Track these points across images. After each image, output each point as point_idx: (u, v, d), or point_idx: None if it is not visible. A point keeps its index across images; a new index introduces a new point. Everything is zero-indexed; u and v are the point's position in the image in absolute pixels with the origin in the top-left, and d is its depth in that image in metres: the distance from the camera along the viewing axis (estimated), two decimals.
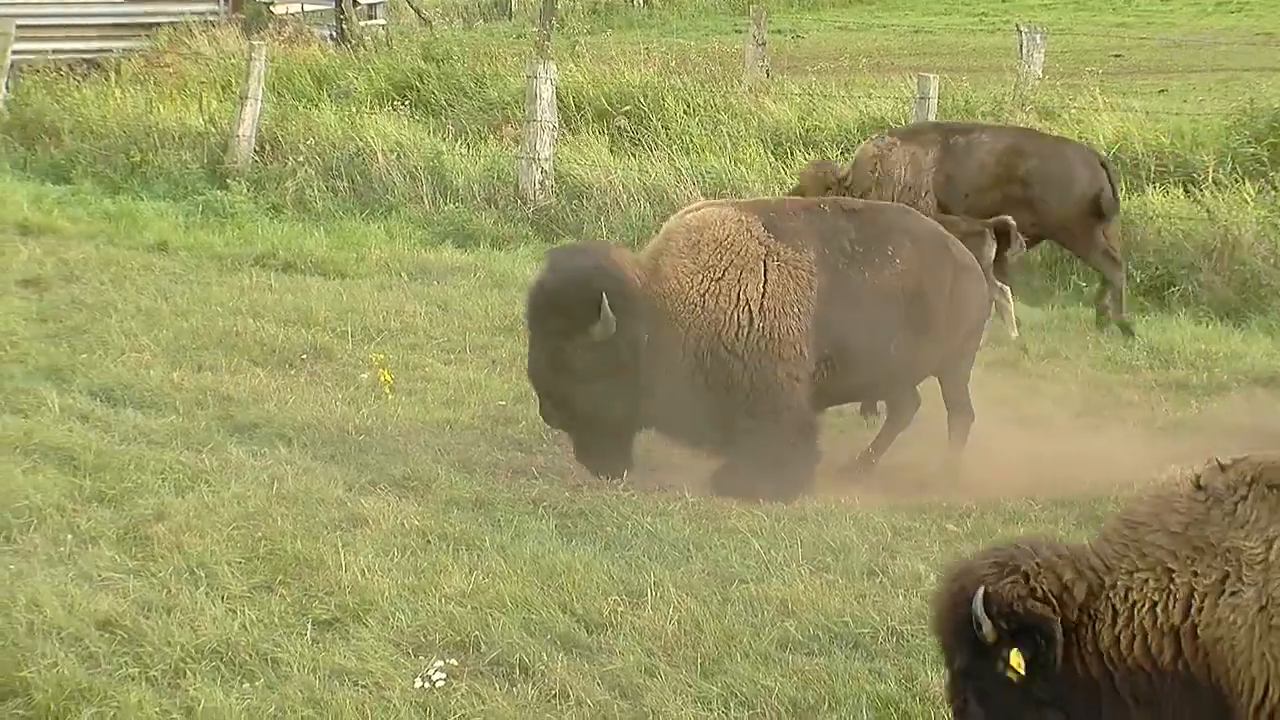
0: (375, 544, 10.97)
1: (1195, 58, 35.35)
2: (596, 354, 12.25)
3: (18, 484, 11.81)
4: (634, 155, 22.97)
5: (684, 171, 21.85)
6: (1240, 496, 6.53)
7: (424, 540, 11.07)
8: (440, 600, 10.03)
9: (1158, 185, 20.40)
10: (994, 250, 15.29)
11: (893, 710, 8.69)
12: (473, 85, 26.56)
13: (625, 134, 24.01)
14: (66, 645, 9.36)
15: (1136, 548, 6.62)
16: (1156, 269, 18.75)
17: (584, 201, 21.84)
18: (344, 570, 10.40)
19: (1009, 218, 15.65)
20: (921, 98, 20.45)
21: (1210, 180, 19.96)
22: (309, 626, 9.74)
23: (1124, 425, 14.31)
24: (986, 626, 6.57)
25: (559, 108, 23.43)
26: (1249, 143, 20.85)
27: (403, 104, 25.89)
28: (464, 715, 8.67)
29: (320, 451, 13.05)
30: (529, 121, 22.69)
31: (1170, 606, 6.45)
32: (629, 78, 25.66)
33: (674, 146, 23.16)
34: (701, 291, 12.37)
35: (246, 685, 8.98)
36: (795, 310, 12.39)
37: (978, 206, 16.61)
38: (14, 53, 27.43)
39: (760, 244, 12.42)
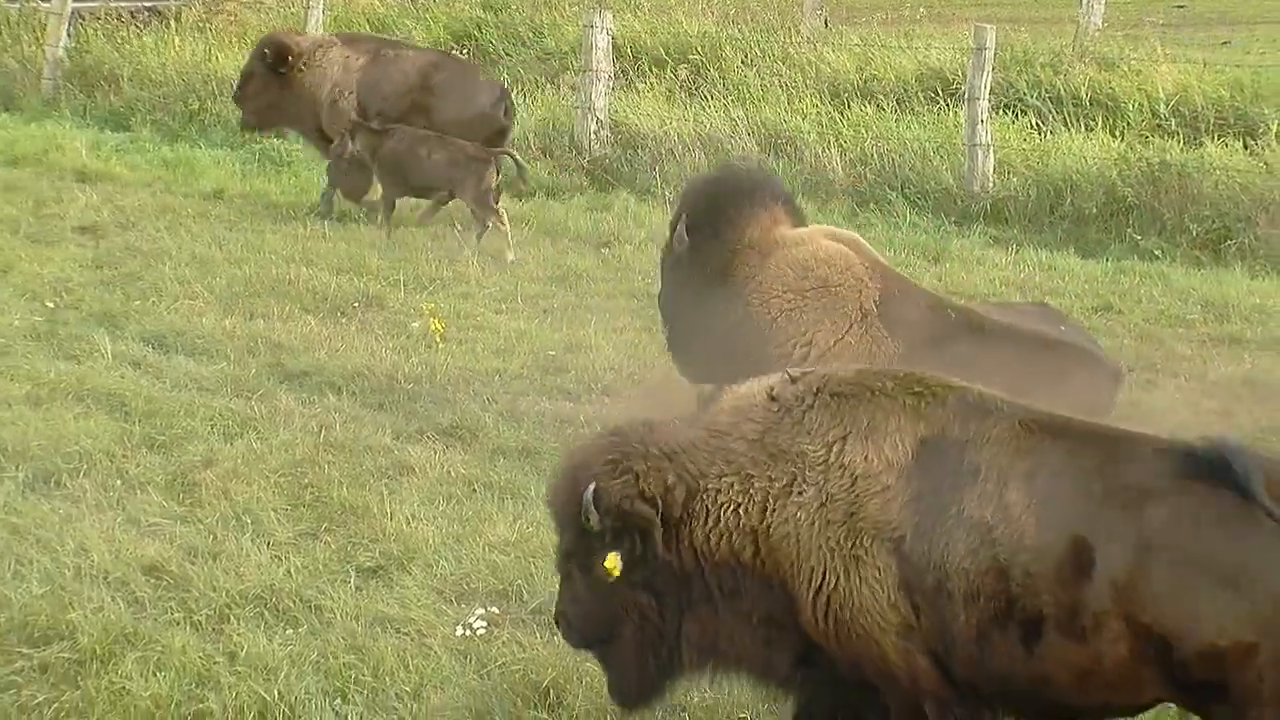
0: (421, 492, 11.04)
1: (1261, 8, 34.97)
2: None
3: (69, 429, 11.92)
4: (690, 105, 22.89)
5: (739, 122, 21.76)
6: (807, 406, 7.12)
7: (469, 489, 11.12)
8: (484, 549, 10.08)
9: (1216, 138, 20.23)
10: (495, 177, 17.91)
11: None
12: (530, 34, 26.52)
13: (683, 85, 23.92)
14: (113, 589, 9.47)
15: (723, 454, 7.14)
16: (1213, 222, 18.58)
17: (639, 152, 21.78)
18: (389, 518, 10.47)
19: (512, 150, 18.79)
20: (979, 49, 20.30)
21: (1271, 133, 19.78)
22: (353, 574, 9.82)
23: (1176, 379, 14.22)
24: (594, 519, 7.13)
25: (616, 57, 23.36)
26: None
27: (461, 53, 25.83)
28: (505, 663, 8.70)
29: (369, 400, 13.11)
30: (585, 71, 22.65)
31: (750, 508, 7.04)
32: (686, 27, 25.56)
33: (730, 97, 23.04)
34: None
35: (289, 631, 9.06)
36: None
37: (393, 110, 19.25)
38: (75, 1, 27.53)
39: None
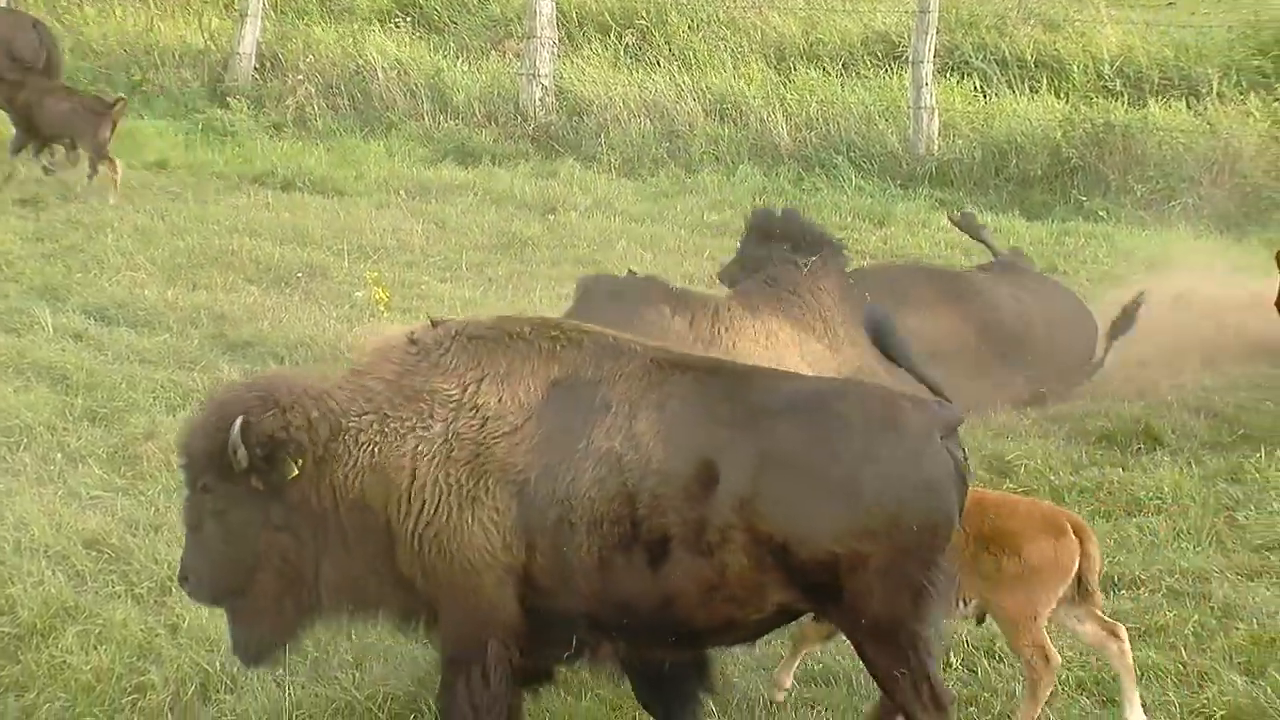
0: None
1: None
2: None
3: (9, 403, 11.86)
4: (635, 72, 22.83)
5: (684, 88, 21.73)
6: (445, 349, 7.24)
7: None
8: None
9: (1160, 99, 20.28)
10: (111, 129, 18.55)
11: None
12: (475, 1, 26.39)
13: (628, 50, 23.87)
14: (53, 563, 9.43)
15: (363, 393, 7.21)
16: (1157, 183, 18.66)
17: (585, 119, 21.76)
18: None
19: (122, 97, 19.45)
20: (922, 11, 20.31)
21: (1214, 93, 19.84)
22: None
23: (1121, 339, 14.27)
24: (241, 453, 7.05)
25: (560, 23, 23.30)
26: (1254, 55, 20.71)
27: (403, 21, 25.73)
28: None
29: (313, 370, 13.02)
30: (530, 37, 22.57)
31: (385, 447, 7.08)
32: None
33: (676, 63, 22.99)
34: None
35: None
36: None
37: None
38: None
39: None
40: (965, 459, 7.02)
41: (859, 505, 6.77)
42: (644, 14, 24.60)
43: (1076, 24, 22.68)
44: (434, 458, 7.03)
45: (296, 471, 7.06)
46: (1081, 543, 7.77)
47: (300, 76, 23.45)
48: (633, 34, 24.15)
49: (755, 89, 21.73)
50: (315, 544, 7.16)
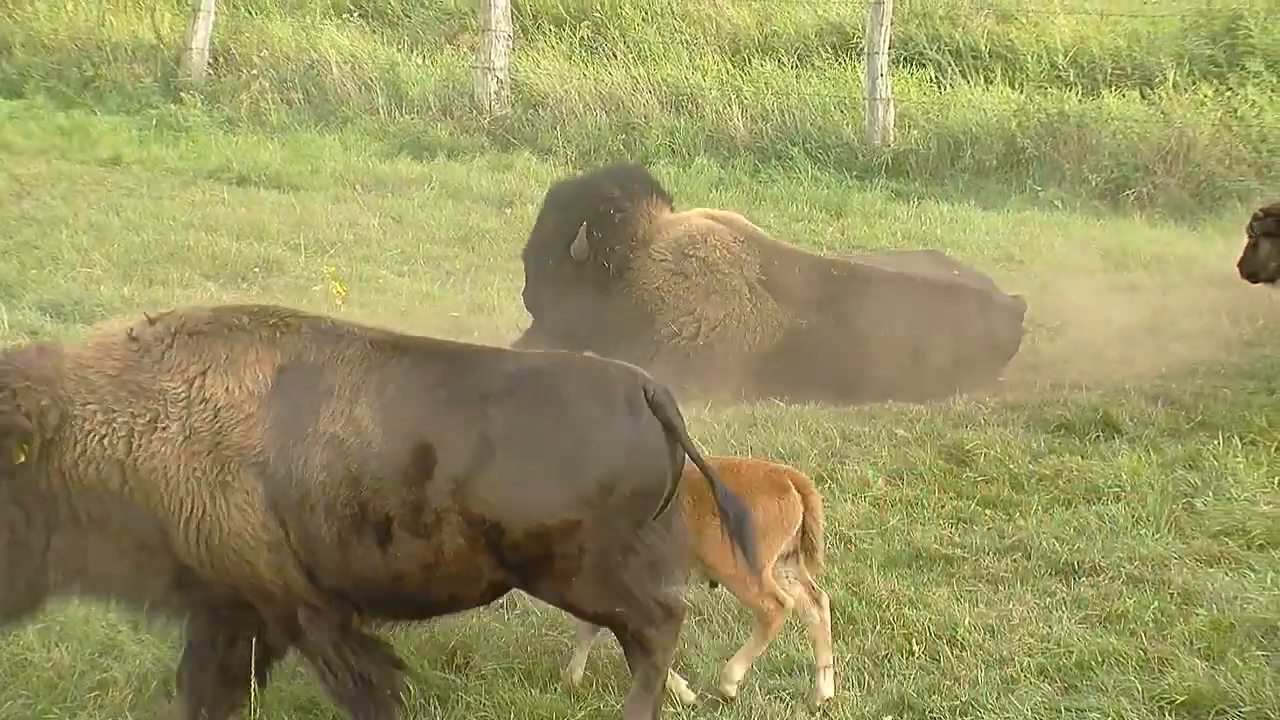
0: None
1: None
2: None
3: None
4: (591, 64, 22.83)
5: (640, 80, 21.75)
6: (166, 345, 7.36)
7: None
8: None
9: (1114, 88, 20.38)
10: None
11: (839, 614, 8.71)
12: None
13: (583, 43, 23.86)
14: None
15: (87, 386, 7.30)
16: (1112, 172, 18.77)
17: (540, 111, 21.76)
18: None
19: None
20: (877, 2, 20.35)
21: (1168, 83, 19.94)
22: None
23: (1078, 328, 14.36)
24: None
25: (515, 16, 23.28)
26: (1205, 44, 20.82)
27: (357, 14, 25.65)
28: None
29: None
30: (484, 31, 22.55)
31: (114, 441, 7.22)
32: None
33: (631, 55, 23.00)
34: None
35: None
36: None
37: None
38: None
39: None
40: (678, 423, 7.31)
41: (572, 479, 7.14)
42: (599, 7, 24.59)
43: (1030, 14, 22.75)
44: (178, 456, 7.19)
45: (23, 458, 7.17)
46: (805, 499, 8.07)
47: (254, 71, 23.36)
48: (588, 26, 24.13)
49: (711, 81, 21.77)
50: (45, 523, 7.26)
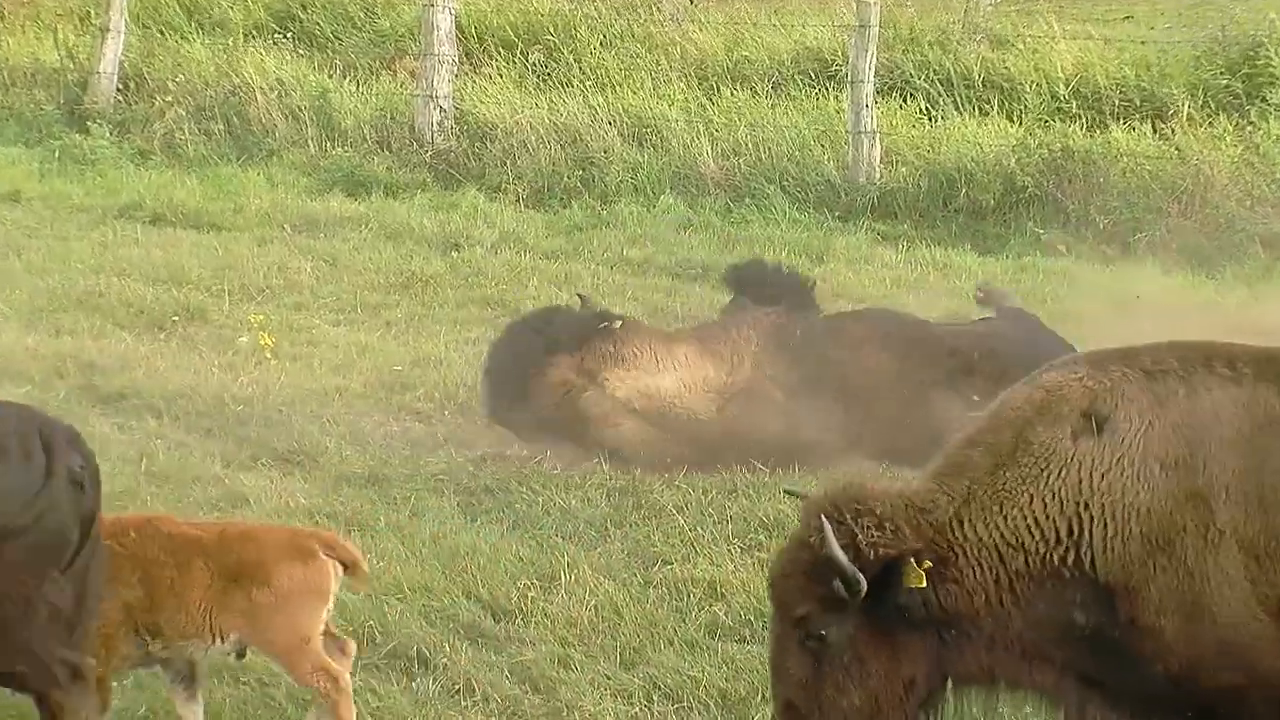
0: None
1: None
2: None
3: None
4: (544, 92, 22.91)
5: (599, 110, 21.83)
6: None
7: (312, 520, 11.01)
8: None
9: (1122, 122, 20.51)
10: None
11: None
12: (362, 15, 26.37)
13: (535, 69, 23.95)
14: None
15: None
16: (1121, 214, 18.83)
17: (488, 144, 21.83)
18: None
19: None
20: (861, 26, 20.49)
21: (1181, 116, 20.08)
22: None
23: None
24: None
25: (459, 40, 23.36)
26: (1221, 74, 20.97)
27: (284, 36, 25.69)
28: (357, 714, 8.65)
29: (195, 424, 13.02)
30: (426, 55, 22.64)
31: None
32: (537, 6, 25.52)
33: (589, 82, 23.09)
34: None
35: (116, 685, 8.93)
36: None
37: None
38: None
39: None
40: (84, 471, 7.56)
41: None
42: (551, 29, 24.69)
43: (1027, 40, 22.91)
44: None
45: None
46: (339, 560, 8.26)
47: (169, 98, 23.41)
48: (539, 51, 24.24)
49: (677, 111, 21.85)
50: None
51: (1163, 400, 7.19)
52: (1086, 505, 7.04)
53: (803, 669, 7.18)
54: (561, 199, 20.54)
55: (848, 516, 7.12)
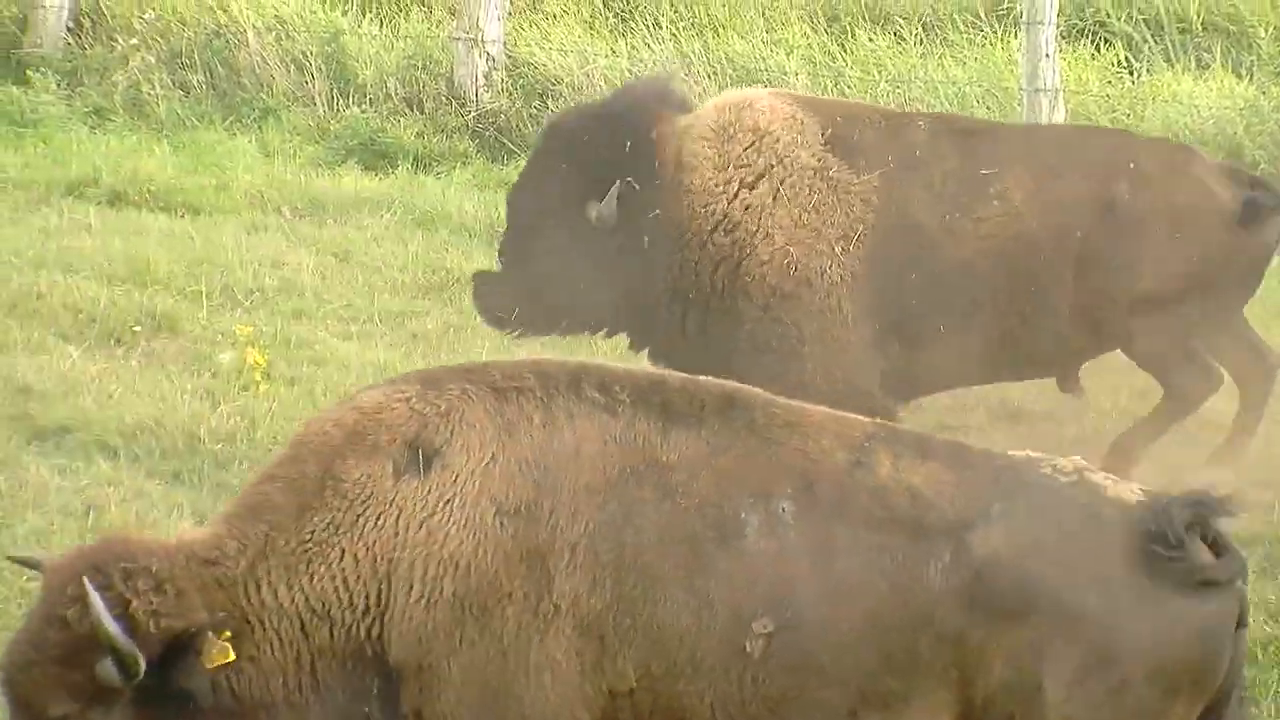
0: None
1: None
2: None
3: None
4: (622, 36, 22.92)
5: (695, 58, 21.82)
6: None
7: None
8: None
9: None
10: None
11: None
12: None
13: (611, 6, 23.99)
14: None
15: None
16: None
17: (549, 103, 21.81)
18: None
19: None
20: None
21: None
22: None
23: None
24: None
25: None
26: None
27: None
28: None
29: (158, 467, 13.11)
30: None
31: None
32: None
33: (681, 24, 23.09)
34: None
35: None
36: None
37: None
38: None
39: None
40: None
41: None
42: None
43: None
44: None
45: None
46: None
47: (134, 40, 23.50)
48: None
49: (797, 61, 21.83)
50: None
51: (512, 428, 7.36)
52: (398, 562, 7.16)
53: None
54: None
55: (115, 578, 7.21)
